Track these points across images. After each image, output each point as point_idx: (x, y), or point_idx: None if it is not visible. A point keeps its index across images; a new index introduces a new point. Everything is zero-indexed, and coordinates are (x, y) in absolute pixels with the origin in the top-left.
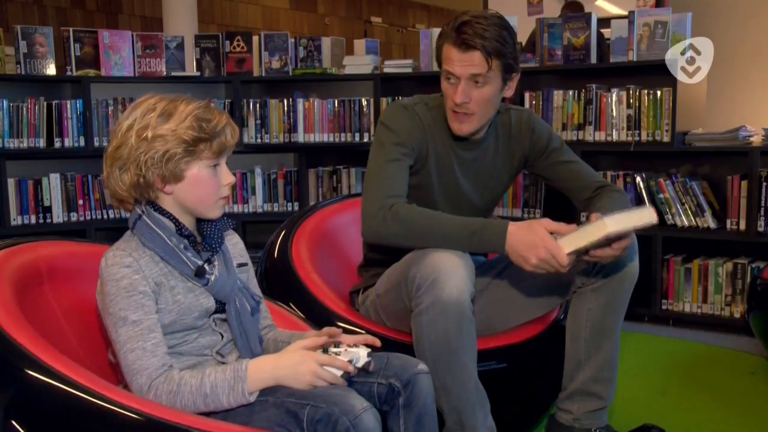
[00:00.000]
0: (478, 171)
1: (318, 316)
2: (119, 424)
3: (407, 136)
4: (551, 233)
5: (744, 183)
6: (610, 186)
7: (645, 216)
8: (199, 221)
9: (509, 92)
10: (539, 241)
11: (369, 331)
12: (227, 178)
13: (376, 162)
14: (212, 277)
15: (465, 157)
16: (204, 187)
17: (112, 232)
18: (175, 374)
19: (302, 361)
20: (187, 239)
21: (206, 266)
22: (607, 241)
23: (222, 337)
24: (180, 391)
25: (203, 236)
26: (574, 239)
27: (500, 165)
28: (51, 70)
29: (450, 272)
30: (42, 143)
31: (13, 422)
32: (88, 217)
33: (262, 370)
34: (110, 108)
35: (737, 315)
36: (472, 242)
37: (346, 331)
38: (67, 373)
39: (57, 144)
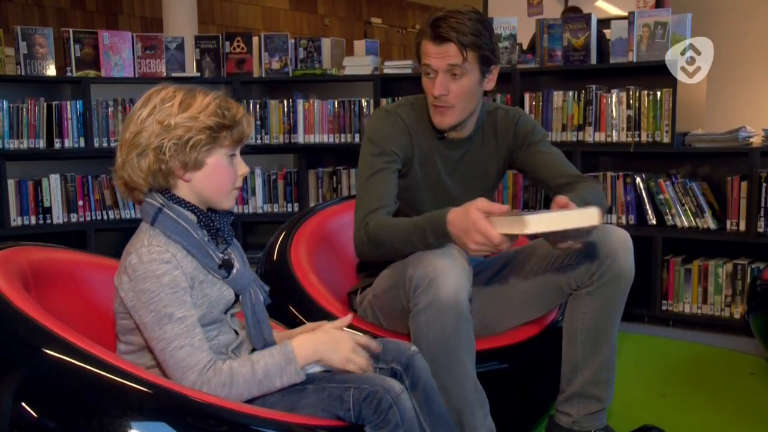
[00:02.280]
0: (465, 170)
1: (316, 317)
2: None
3: (389, 143)
4: (487, 213)
5: (744, 184)
6: (585, 178)
7: (585, 217)
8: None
9: (489, 85)
10: (471, 225)
11: (367, 332)
12: (242, 168)
13: (360, 180)
14: (234, 270)
15: (450, 156)
16: (222, 175)
17: (112, 233)
18: (224, 366)
19: (341, 336)
20: (208, 231)
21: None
22: (553, 236)
23: (237, 334)
24: (234, 382)
25: (216, 228)
26: (505, 224)
27: (487, 163)
28: (51, 70)
29: (447, 272)
30: (42, 144)
31: (23, 404)
32: (88, 218)
33: (304, 347)
34: (110, 109)
35: (737, 316)
36: (426, 239)
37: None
38: (83, 346)
39: (57, 145)
